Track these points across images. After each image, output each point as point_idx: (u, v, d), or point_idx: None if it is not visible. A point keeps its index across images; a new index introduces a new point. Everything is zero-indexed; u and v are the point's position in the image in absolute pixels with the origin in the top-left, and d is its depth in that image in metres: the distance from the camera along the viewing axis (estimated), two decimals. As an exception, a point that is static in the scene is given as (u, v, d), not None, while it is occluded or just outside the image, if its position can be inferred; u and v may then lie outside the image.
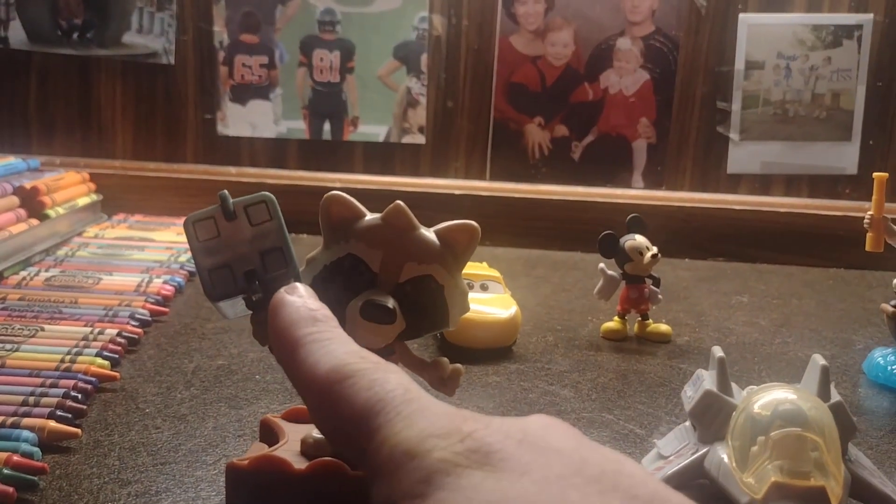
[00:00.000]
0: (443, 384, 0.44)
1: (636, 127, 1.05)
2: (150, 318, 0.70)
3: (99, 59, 1.08)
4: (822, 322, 0.81)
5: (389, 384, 0.30)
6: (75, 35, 1.08)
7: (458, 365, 0.45)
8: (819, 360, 0.48)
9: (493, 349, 0.68)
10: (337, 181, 1.06)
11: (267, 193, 0.41)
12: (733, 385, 0.48)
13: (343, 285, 0.43)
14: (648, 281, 0.74)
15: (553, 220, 1.05)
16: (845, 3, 1.01)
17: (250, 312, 0.43)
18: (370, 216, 0.45)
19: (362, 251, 0.43)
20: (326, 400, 0.30)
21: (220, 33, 1.06)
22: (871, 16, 1.01)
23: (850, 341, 0.76)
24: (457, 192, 1.07)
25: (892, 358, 0.66)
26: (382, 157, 1.08)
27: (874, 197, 0.64)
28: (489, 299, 0.70)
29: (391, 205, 0.44)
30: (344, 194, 0.45)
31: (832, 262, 1.00)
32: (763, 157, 1.04)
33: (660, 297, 0.74)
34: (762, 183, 1.06)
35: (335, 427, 0.30)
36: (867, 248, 0.66)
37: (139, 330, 0.67)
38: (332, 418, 0.30)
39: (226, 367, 0.63)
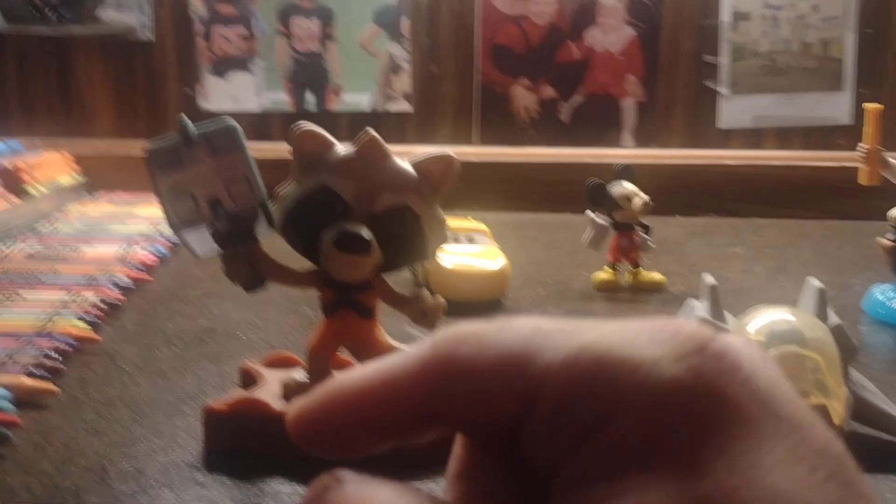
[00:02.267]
0: (424, 318, 0.43)
1: (623, 85, 1.03)
2: (131, 285, 0.69)
3: (76, 38, 1.06)
4: (818, 268, 0.80)
5: None
6: (50, 13, 1.06)
7: (440, 298, 0.43)
8: (814, 282, 0.46)
9: (484, 302, 0.67)
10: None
11: (230, 120, 0.40)
12: (726, 314, 0.47)
13: (316, 218, 0.41)
14: (638, 229, 0.73)
15: (543, 182, 1.03)
16: (832, -51, 1.00)
17: (220, 252, 0.41)
18: (342, 147, 0.43)
19: (335, 182, 0.41)
20: None
21: (198, 6, 1.04)
22: (858, -39, 1.00)
23: (849, 284, 0.74)
24: (444, 158, 1.05)
25: (892, 293, 0.65)
26: (368, 125, 1.06)
27: (869, 129, 0.63)
28: (477, 252, 0.69)
29: (364, 134, 0.43)
30: (315, 126, 0.44)
31: (828, 214, 0.99)
32: (754, 111, 1.03)
33: (650, 244, 0.73)
34: (754, 137, 1.04)
35: None
36: (861, 181, 0.64)
37: (120, 295, 0.66)
38: None
39: (208, 327, 0.62)
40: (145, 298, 0.68)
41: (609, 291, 0.72)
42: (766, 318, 0.43)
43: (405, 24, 1.03)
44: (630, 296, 0.71)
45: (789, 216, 1.00)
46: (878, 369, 0.56)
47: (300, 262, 0.43)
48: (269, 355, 0.48)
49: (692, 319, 0.46)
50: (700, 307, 0.47)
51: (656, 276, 0.73)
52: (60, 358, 0.53)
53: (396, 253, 0.42)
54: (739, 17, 1.01)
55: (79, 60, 1.07)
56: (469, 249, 0.69)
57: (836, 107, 1.02)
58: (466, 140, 1.06)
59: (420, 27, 1.04)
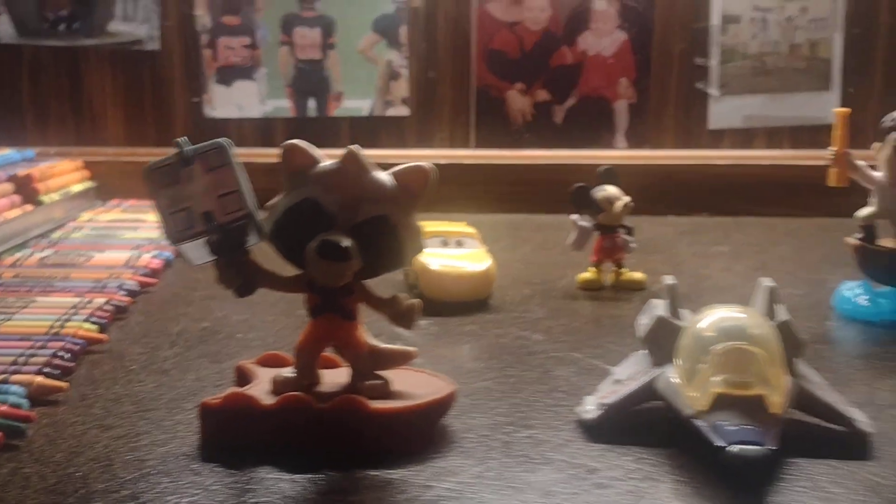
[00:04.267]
0: (401, 318, 0.47)
1: (616, 87, 1.06)
2: (138, 289, 0.73)
3: (87, 49, 1.10)
4: (798, 265, 0.82)
5: None
6: (62, 26, 1.10)
7: (416, 300, 0.47)
8: (765, 281, 0.50)
9: (470, 302, 0.70)
10: (324, 157, 1.08)
11: (222, 139, 0.44)
12: (684, 311, 0.50)
13: (302, 228, 0.45)
14: (621, 230, 0.76)
15: (538, 184, 1.06)
16: (818, -48, 1.02)
17: (214, 258, 0.45)
18: (327, 162, 0.47)
19: (319, 194, 0.45)
20: None
21: (203, 16, 1.09)
22: (844, -36, 1.02)
23: (824, 280, 0.77)
24: (443, 161, 1.08)
25: (859, 290, 0.68)
26: (368, 130, 1.10)
27: (837, 132, 0.66)
28: (464, 255, 0.72)
29: (346, 149, 0.47)
30: (303, 142, 0.47)
31: (815, 212, 1.01)
32: (744, 111, 1.05)
33: (633, 245, 0.76)
34: (744, 137, 1.07)
35: None
36: (830, 183, 0.67)
37: (127, 299, 0.70)
38: None
39: (210, 328, 0.65)
40: (152, 301, 0.72)
41: (592, 290, 0.75)
42: (716, 316, 0.46)
43: (403, 32, 1.07)
44: (612, 294, 0.75)
45: (778, 214, 1.02)
46: (840, 363, 0.59)
47: (288, 269, 0.47)
48: (263, 355, 0.52)
49: (652, 317, 0.49)
50: (660, 306, 0.50)
51: (637, 275, 0.76)
52: (72, 358, 0.57)
53: (376, 260, 0.46)
54: (729, 19, 1.03)
55: (89, 71, 1.11)
56: (457, 252, 0.72)
57: (824, 106, 1.04)
58: (464, 143, 1.10)
59: (417, 34, 1.07)
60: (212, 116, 1.11)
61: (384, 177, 0.46)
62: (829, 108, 1.05)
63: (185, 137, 0.42)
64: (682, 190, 1.05)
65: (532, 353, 0.61)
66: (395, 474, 0.44)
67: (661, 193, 1.05)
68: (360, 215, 0.45)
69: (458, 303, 0.70)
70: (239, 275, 0.45)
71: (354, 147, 0.46)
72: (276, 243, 0.46)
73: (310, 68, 1.08)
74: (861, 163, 0.66)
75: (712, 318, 0.46)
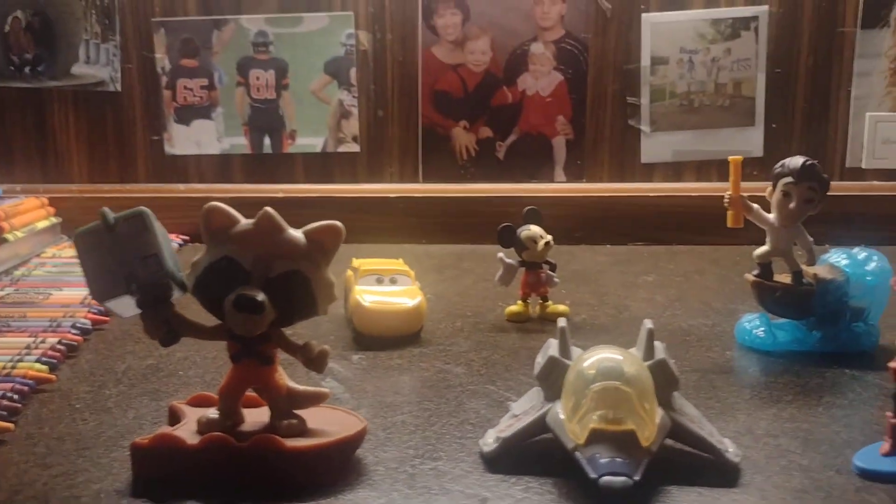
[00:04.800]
0: (311, 363, 0.52)
1: (554, 125, 1.12)
2: (90, 327, 0.77)
3: (51, 90, 1.15)
4: (715, 295, 0.88)
5: None
6: (27, 69, 1.15)
7: (325, 347, 0.52)
8: (647, 324, 0.55)
9: (402, 336, 0.75)
10: (280, 191, 1.13)
11: (143, 208, 0.48)
12: (574, 349, 0.55)
13: (221, 283, 0.50)
14: (545, 266, 0.81)
15: (483, 216, 1.12)
16: (740, -3, 1.09)
17: (140, 312, 0.50)
18: (244, 222, 0.52)
19: (236, 252, 0.50)
20: None
21: (162, 59, 1.14)
22: (766, 7, 1.08)
23: (735, 311, 0.82)
24: (392, 195, 1.14)
25: (757, 322, 0.73)
26: (321, 166, 1.15)
27: (731, 178, 0.71)
28: (396, 291, 0.77)
29: (261, 211, 0.51)
30: (222, 204, 0.52)
31: (742, 240, 1.06)
32: (674, 146, 1.11)
33: (556, 280, 0.81)
34: (675, 170, 1.13)
35: None
36: (728, 224, 0.72)
37: (79, 337, 0.74)
38: None
39: (154, 365, 0.70)
40: (103, 339, 0.77)
41: (519, 322, 0.80)
42: (597, 357, 0.52)
43: (353, 74, 1.12)
44: (538, 326, 0.80)
45: (707, 242, 1.08)
46: (729, 391, 0.64)
47: (212, 319, 0.52)
48: (193, 396, 0.57)
49: (545, 357, 0.54)
50: (553, 346, 0.55)
51: (561, 307, 0.81)
52: (20, 398, 0.61)
53: (290, 311, 0.51)
54: (658, 61, 1.09)
55: (54, 111, 1.16)
56: (389, 289, 0.78)
57: (749, 141, 1.11)
58: (412, 177, 1.15)
59: (367, 76, 1.13)
60: (171, 154, 1.16)
61: (297, 234, 0.51)
62: (754, 142, 1.11)
63: (108, 208, 0.46)
64: (617, 221, 1.11)
65: (450, 385, 0.66)
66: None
67: (599, 224, 1.11)
68: (274, 270, 0.50)
69: (390, 337, 0.75)
70: (163, 326, 0.50)
71: (268, 209, 0.50)
72: (198, 297, 0.51)
73: (265, 107, 1.14)
74: (755, 206, 0.72)
75: (593, 358, 0.52)
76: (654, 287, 0.92)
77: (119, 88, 1.15)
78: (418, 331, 0.77)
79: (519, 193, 1.12)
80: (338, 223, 0.52)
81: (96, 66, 1.14)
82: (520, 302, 0.81)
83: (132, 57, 1.14)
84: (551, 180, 1.13)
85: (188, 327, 0.51)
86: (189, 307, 0.52)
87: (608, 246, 1.09)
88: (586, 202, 1.11)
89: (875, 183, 1.11)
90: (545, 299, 0.81)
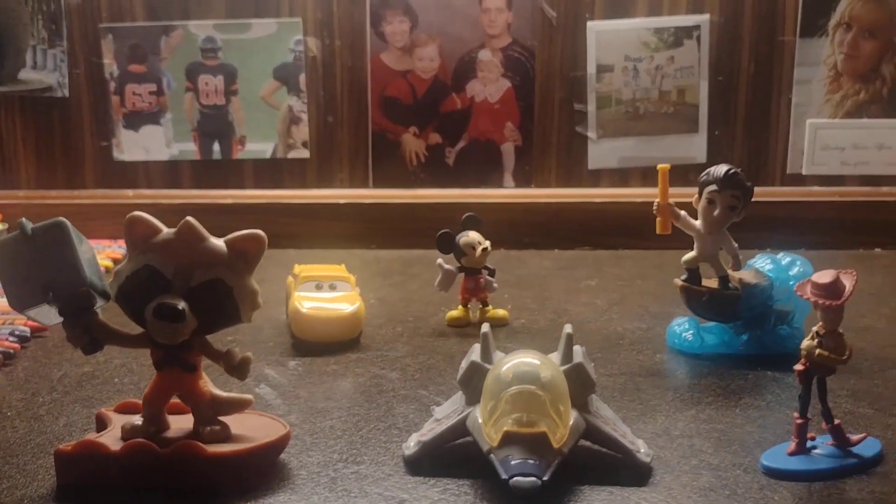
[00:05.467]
0: (234, 371, 0.52)
1: (503, 131, 1.14)
2: (29, 335, 0.77)
3: (-1, 95, 1.14)
4: (653, 299, 0.90)
5: None
6: (-27, 74, 1.14)
7: (248, 354, 0.53)
8: (567, 328, 0.56)
9: (341, 342, 0.76)
10: (229, 197, 1.13)
11: (60, 219, 0.49)
12: (498, 354, 0.56)
13: (142, 292, 0.50)
14: (484, 272, 0.82)
15: (432, 221, 1.11)
16: (683, 5, 1.11)
17: (62, 320, 0.50)
18: (166, 231, 0.52)
19: (157, 262, 0.51)
20: None
21: (110, 65, 1.13)
22: (707, 16, 1.11)
23: (671, 315, 0.84)
24: (342, 201, 1.14)
25: (686, 326, 0.75)
26: (271, 172, 1.16)
27: (659, 186, 0.73)
28: (334, 297, 0.78)
29: (182, 220, 0.52)
30: (144, 214, 0.53)
31: (686, 245, 1.09)
32: (620, 153, 1.13)
33: (495, 285, 0.83)
34: (621, 176, 1.15)
35: None
36: (657, 231, 0.74)
37: (16, 345, 0.74)
38: None
39: (90, 373, 0.70)
40: (42, 347, 0.76)
41: (459, 327, 0.82)
42: (514, 361, 0.53)
43: (302, 80, 1.13)
44: (477, 331, 0.81)
45: (652, 247, 1.10)
46: (653, 393, 0.66)
47: (137, 328, 0.52)
48: (121, 403, 0.57)
49: (467, 362, 0.56)
50: (476, 351, 0.56)
51: (501, 312, 0.83)
52: (-51, 407, 0.61)
53: (212, 318, 0.51)
54: (603, 69, 1.11)
55: (0, 117, 1.15)
56: (328, 295, 0.78)
57: (692, 147, 1.13)
58: (362, 183, 1.16)
59: (316, 82, 1.13)
60: (120, 159, 1.15)
61: (218, 243, 0.52)
62: (698, 148, 1.14)
63: (26, 219, 0.47)
64: (565, 226, 1.12)
65: (383, 391, 0.67)
66: None
67: (547, 229, 1.13)
68: (196, 279, 0.50)
69: (329, 343, 0.75)
70: (85, 334, 0.50)
71: (190, 218, 0.51)
72: (120, 305, 0.51)
73: (214, 113, 1.14)
74: (682, 213, 0.74)
75: (510, 363, 0.53)
76: (596, 291, 0.93)
77: (67, 94, 1.14)
78: (357, 336, 0.78)
79: (468, 199, 1.13)
80: (259, 232, 0.53)
81: (44, 71, 1.14)
82: (460, 307, 0.83)
83: (80, 62, 1.14)
84: (500, 186, 1.15)
85: (111, 335, 0.51)
86: (117, 317, 0.52)
87: (556, 251, 1.11)
88: (534, 208, 1.13)
89: (815, 188, 1.14)
90: (485, 304, 0.83)
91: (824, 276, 0.53)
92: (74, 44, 1.13)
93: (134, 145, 1.15)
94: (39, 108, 1.15)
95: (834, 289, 0.52)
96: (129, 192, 1.15)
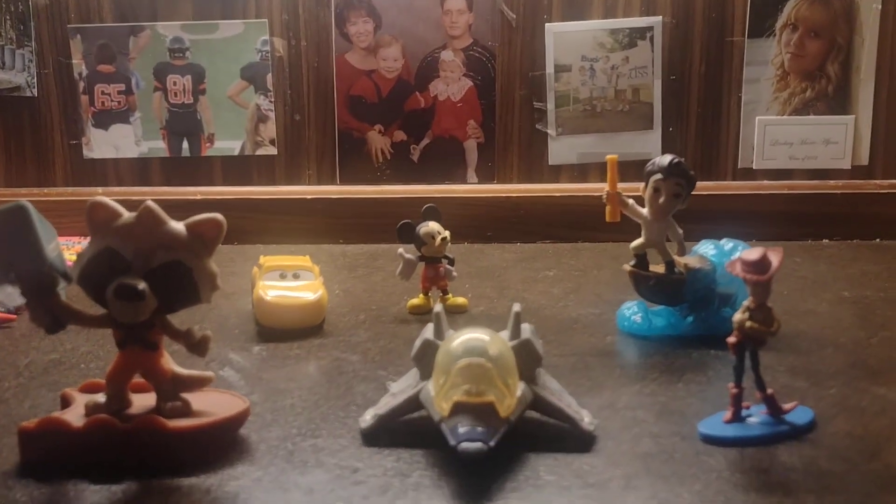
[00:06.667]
0: (194, 348, 0.55)
1: (465, 129, 1.17)
2: (-3, 325, 0.79)
3: (-34, 95, 1.15)
4: (607, 288, 0.93)
5: None
6: (-59, 74, 1.15)
7: (207, 332, 0.55)
8: (515, 307, 0.59)
9: (304, 329, 0.78)
10: (198, 194, 1.15)
11: (22, 201, 0.51)
12: (449, 332, 0.59)
13: (103, 273, 0.53)
14: (444, 261, 0.85)
15: (398, 216, 1.14)
16: (636, 7, 1.15)
17: (25, 301, 0.52)
18: (127, 215, 0.54)
19: (118, 244, 0.53)
20: None
21: (79, 65, 1.15)
22: (660, 18, 1.15)
23: (623, 301, 0.87)
24: (310, 196, 1.17)
25: (635, 309, 0.78)
26: (239, 169, 1.18)
27: (608, 176, 0.76)
28: (297, 286, 0.80)
29: (142, 204, 0.54)
30: (106, 199, 0.55)
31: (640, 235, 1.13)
32: (579, 149, 1.17)
33: (454, 273, 0.86)
34: (580, 171, 1.18)
35: None
36: (607, 219, 0.77)
37: (-16, 335, 0.76)
38: None
39: (57, 359, 0.72)
40: (9, 336, 0.78)
41: (420, 314, 0.84)
42: (464, 337, 0.56)
43: (269, 79, 1.15)
44: (437, 318, 0.84)
45: (610, 240, 1.13)
46: (601, 371, 0.69)
47: (98, 308, 0.54)
48: (85, 383, 0.59)
49: (421, 339, 0.58)
50: (429, 329, 0.59)
51: (460, 300, 0.86)
52: (-84, 392, 0.63)
53: (172, 299, 0.54)
54: (561, 68, 1.15)
55: (-31, 116, 1.16)
56: (291, 283, 0.81)
57: (648, 143, 1.17)
58: (329, 180, 1.18)
59: (283, 81, 1.16)
60: (90, 157, 1.17)
61: (178, 227, 0.54)
62: (653, 144, 1.18)
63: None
64: (526, 220, 1.15)
65: (343, 372, 0.69)
66: (186, 481, 0.52)
67: (509, 223, 1.16)
68: (155, 261, 0.53)
69: (292, 330, 0.78)
70: (48, 314, 0.52)
71: (149, 202, 0.53)
72: (82, 287, 0.53)
73: (182, 112, 1.16)
74: (630, 201, 0.77)
75: (461, 338, 0.56)
76: (553, 281, 0.97)
77: (36, 94, 1.15)
78: (320, 323, 0.80)
79: (433, 194, 1.15)
80: (218, 216, 0.55)
81: (12, 71, 1.15)
82: (421, 295, 0.85)
83: (48, 62, 1.15)
84: (464, 181, 1.18)
85: (73, 315, 0.53)
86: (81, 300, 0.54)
87: (518, 244, 1.14)
88: (497, 202, 1.16)
89: (765, 182, 1.18)
90: (445, 292, 0.85)
91: (753, 254, 0.56)
92: (43, 44, 1.15)
93: (103, 143, 1.16)
94: (8, 107, 1.16)
95: (761, 265, 0.56)
96: (99, 190, 1.16)
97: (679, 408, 0.62)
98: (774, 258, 0.56)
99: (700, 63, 1.16)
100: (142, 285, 0.52)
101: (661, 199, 0.75)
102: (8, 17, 1.14)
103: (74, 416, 0.54)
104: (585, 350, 0.74)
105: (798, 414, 0.59)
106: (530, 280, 0.97)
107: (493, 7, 1.14)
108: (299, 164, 1.18)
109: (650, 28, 1.15)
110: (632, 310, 0.78)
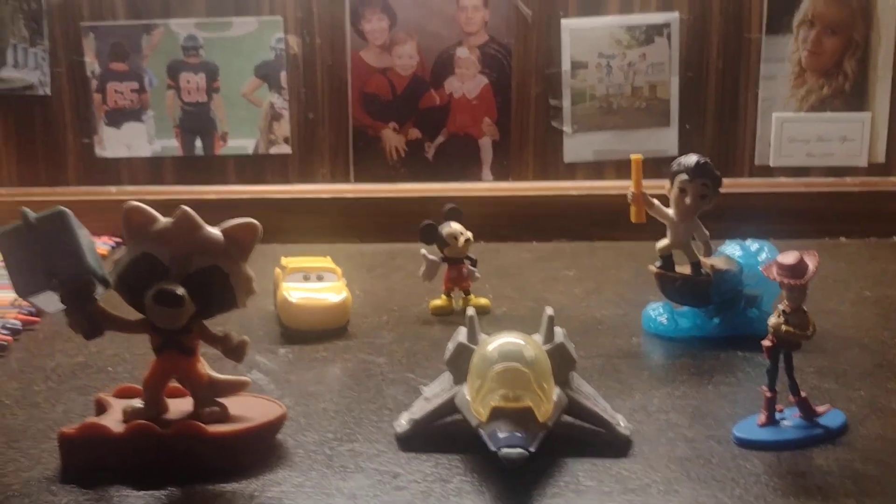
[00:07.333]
0: (231, 353, 0.54)
1: (481, 126, 1.16)
2: (20, 328, 0.78)
3: (-21, 94, 1.14)
4: (629, 287, 0.93)
5: None
6: (-47, 73, 1.14)
7: (244, 338, 0.55)
8: (548, 311, 0.59)
9: (328, 330, 0.78)
10: (212, 193, 1.15)
11: (62, 208, 0.51)
12: (482, 336, 0.59)
13: (141, 279, 0.52)
14: (467, 261, 0.85)
15: (414, 215, 1.14)
16: (654, 4, 1.14)
17: (64, 307, 0.52)
18: (163, 220, 0.54)
19: (155, 249, 0.53)
20: None
21: (92, 63, 1.14)
22: (676, 14, 1.14)
23: (646, 301, 0.87)
24: (324, 195, 1.16)
25: (661, 310, 0.78)
26: (253, 168, 1.17)
27: (633, 176, 0.76)
28: (321, 288, 0.80)
29: (178, 209, 0.54)
30: (141, 204, 0.55)
31: (658, 235, 1.13)
32: (594, 146, 1.17)
33: (477, 274, 0.85)
34: (596, 169, 1.18)
35: None
36: (632, 219, 0.77)
37: (9, 337, 0.76)
38: None
39: (83, 363, 0.72)
40: (34, 339, 0.78)
41: (442, 315, 0.84)
42: (501, 341, 0.56)
43: (283, 77, 1.15)
44: (460, 319, 0.83)
45: (627, 238, 1.13)
46: (630, 373, 0.69)
47: (135, 313, 0.54)
48: (119, 388, 0.59)
49: (455, 343, 0.58)
50: (462, 333, 0.59)
51: (483, 300, 0.86)
52: (-53, 396, 0.62)
53: (209, 304, 0.54)
54: (577, 65, 1.15)
55: (-18, 115, 1.15)
56: (315, 286, 0.80)
57: (664, 140, 1.17)
58: (343, 178, 1.18)
59: (297, 79, 1.15)
60: (102, 156, 1.16)
61: (215, 232, 0.54)
62: (669, 141, 1.18)
63: (27, 208, 0.49)
64: (542, 218, 1.15)
65: (371, 375, 0.69)
66: (228, 487, 0.52)
67: (524, 222, 1.15)
68: (193, 266, 0.52)
69: (317, 331, 0.78)
70: (86, 320, 0.52)
71: (186, 207, 0.53)
72: (120, 292, 0.53)
73: (195, 110, 1.15)
74: (656, 202, 0.77)
75: (496, 343, 0.56)
76: (574, 281, 0.96)
77: (49, 92, 1.15)
78: (344, 325, 0.80)
79: (448, 193, 1.15)
80: (254, 221, 0.55)
81: (25, 70, 1.14)
82: (443, 296, 0.85)
83: (61, 61, 1.14)
84: (479, 179, 1.18)
85: (111, 321, 0.53)
86: (120, 305, 0.54)
87: (533, 243, 1.14)
88: (512, 201, 1.16)
89: (782, 179, 1.18)
90: (467, 293, 0.85)
91: (788, 257, 0.56)
92: (56, 42, 1.14)
93: (116, 142, 1.16)
94: (21, 106, 1.15)
95: (797, 268, 0.56)
96: (112, 189, 1.16)
97: (711, 410, 0.62)
98: (811, 262, 0.56)
99: (717, 59, 1.16)
100: (181, 291, 0.51)
101: (688, 200, 0.75)
102: (21, 16, 1.13)
103: (113, 422, 0.54)
104: (612, 352, 0.74)
105: (830, 417, 0.59)
106: (550, 280, 0.97)
107: (509, 3, 1.13)
108: (313, 162, 1.18)
109: (667, 24, 1.14)
110: (657, 311, 0.79)
